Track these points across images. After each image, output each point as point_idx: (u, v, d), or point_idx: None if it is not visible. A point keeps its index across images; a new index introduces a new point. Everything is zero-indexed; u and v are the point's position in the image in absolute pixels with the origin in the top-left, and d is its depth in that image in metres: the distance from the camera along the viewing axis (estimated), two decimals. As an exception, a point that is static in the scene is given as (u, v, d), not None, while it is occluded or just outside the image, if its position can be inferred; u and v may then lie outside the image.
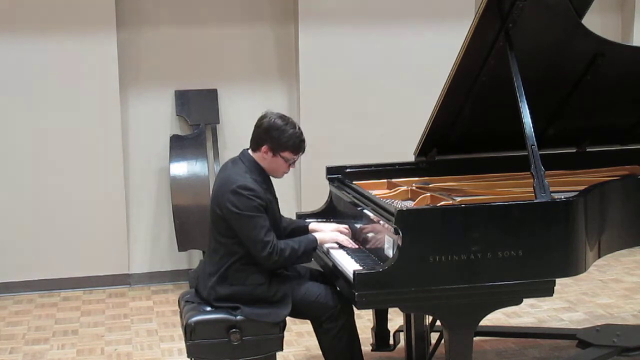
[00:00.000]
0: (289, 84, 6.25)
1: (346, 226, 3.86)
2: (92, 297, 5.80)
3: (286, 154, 3.60)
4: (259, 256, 3.50)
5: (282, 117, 3.63)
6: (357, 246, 3.73)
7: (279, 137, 3.57)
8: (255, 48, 6.17)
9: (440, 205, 3.56)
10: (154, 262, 6.14)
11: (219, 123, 6.08)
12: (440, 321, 3.38)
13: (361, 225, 3.82)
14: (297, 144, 3.61)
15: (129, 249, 6.06)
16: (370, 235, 3.68)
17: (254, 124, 3.66)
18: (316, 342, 3.78)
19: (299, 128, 3.64)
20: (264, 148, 3.59)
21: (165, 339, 4.92)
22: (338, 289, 3.64)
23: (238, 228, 3.51)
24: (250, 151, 3.67)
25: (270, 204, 3.59)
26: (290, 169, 3.70)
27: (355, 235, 3.86)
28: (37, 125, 5.80)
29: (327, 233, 3.78)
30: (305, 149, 3.69)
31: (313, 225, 3.92)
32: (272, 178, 3.72)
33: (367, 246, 3.70)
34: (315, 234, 3.73)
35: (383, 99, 6.23)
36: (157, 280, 6.10)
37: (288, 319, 3.64)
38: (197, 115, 6.01)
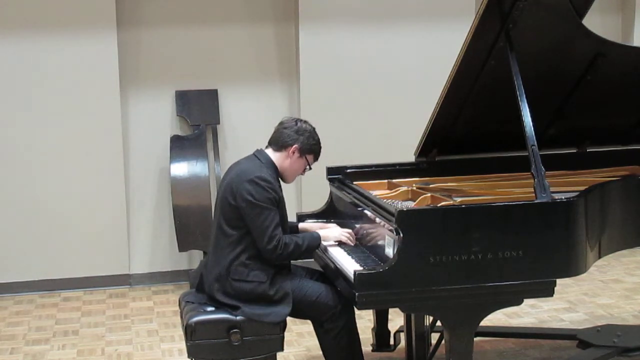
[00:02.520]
0: (289, 84, 6.25)
1: (350, 231, 3.87)
2: (93, 298, 5.80)
3: (310, 158, 3.76)
4: (264, 248, 3.54)
5: (308, 122, 3.79)
6: (352, 243, 3.78)
7: (309, 140, 3.72)
8: (256, 48, 6.17)
9: (441, 206, 3.55)
10: (155, 262, 6.14)
11: (219, 123, 6.08)
12: (441, 321, 3.38)
13: (361, 225, 3.81)
14: (319, 151, 3.80)
15: (130, 250, 6.06)
16: (370, 235, 3.68)
17: (277, 124, 3.77)
18: (317, 343, 3.78)
19: None
20: (293, 148, 3.70)
21: (165, 340, 4.92)
22: (338, 289, 3.64)
23: (250, 217, 3.55)
24: (270, 150, 3.74)
25: (282, 201, 3.66)
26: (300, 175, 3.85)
27: (355, 236, 3.86)
28: (37, 126, 5.80)
29: (331, 231, 3.84)
30: None
31: (302, 225, 4.01)
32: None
33: (368, 246, 3.70)
34: (319, 231, 3.80)
35: (383, 99, 6.23)
36: (157, 280, 6.11)
37: (288, 319, 3.64)
38: (198, 115, 6.01)
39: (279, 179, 3.75)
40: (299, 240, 3.64)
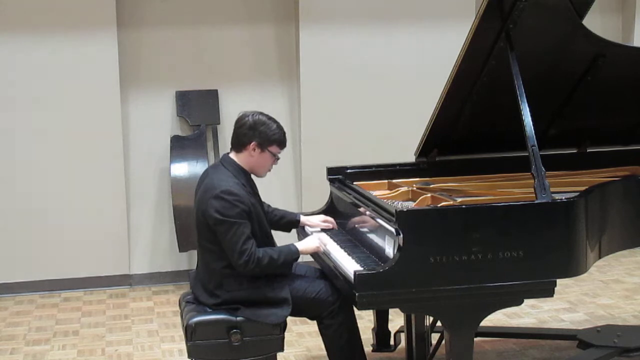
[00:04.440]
0: (289, 85, 6.25)
1: (331, 219, 4.01)
2: (93, 298, 5.80)
3: (273, 148, 3.62)
4: (235, 263, 3.47)
5: (262, 113, 3.65)
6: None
7: (266, 132, 3.58)
8: (256, 48, 6.17)
9: (441, 206, 3.55)
10: (155, 262, 6.14)
11: (219, 124, 6.08)
12: (441, 322, 3.38)
13: (362, 225, 3.81)
14: (282, 138, 3.64)
15: (130, 250, 6.06)
16: (370, 235, 3.68)
17: (233, 125, 3.66)
18: (317, 343, 3.79)
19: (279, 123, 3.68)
20: (251, 145, 3.58)
21: (165, 340, 4.92)
22: (337, 286, 3.64)
23: (219, 234, 3.48)
24: (233, 154, 3.65)
25: (254, 208, 3.58)
26: (273, 166, 3.71)
27: (355, 236, 3.86)
28: (37, 126, 5.80)
29: (309, 242, 3.73)
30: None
31: (303, 218, 4.02)
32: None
33: (368, 246, 3.70)
34: (297, 244, 3.68)
35: (383, 99, 6.23)
36: (157, 280, 6.11)
37: (289, 319, 3.64)
38: (198, 115, 6.01)
39: (252, 181, 3.67)
40: (274, 254, 3.52)
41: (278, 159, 3.68)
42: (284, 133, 3.65)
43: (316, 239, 3.75)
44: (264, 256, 3.48)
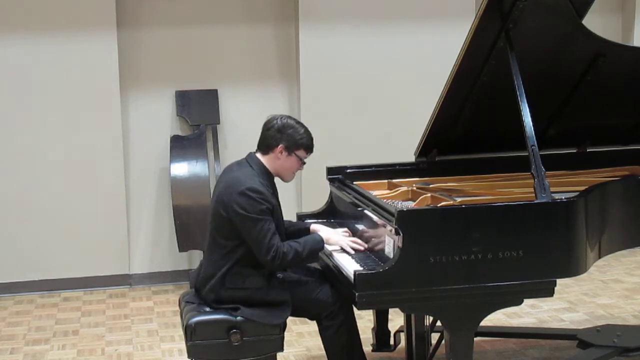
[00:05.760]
0: (289, 84, 6.25)
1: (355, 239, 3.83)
2: (93, 298, 5.80)
3: (300, 152, 3.63)
4: (262, 259, 3.49)
5: (291, 117, 3.68)
6: (362, 248, 3.67)
7: (294, 135, 3.60)
8: (256, 48, 6.17)
9: (441, 206, 3.56)
10: (155, 262, 6.14)
11: (219, 123, 6.08)
12: (441, 322, 3.38)
13: (362, 225, 3.82)
14: (309, 143, 3.65)
15: (130, 250, 6.06)
16: (370, 235, 3.68)
17: (262, 127, 3.67)
18: (316, 343, 3.79)
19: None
20: (279, 148, 3.60)
21: (165, 340, 4.92)
22: (337, 287, 3.64)
23: (244, 230, 3.49)
24: (259, 154, 3.66)
25: (275, 209, 3.59)
26: (299, 170, 3.72)
27: (355, 236, 3.85)
28: (37, 125, 5.80)
29: (335, 234, 3.74)
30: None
31: (314, 226, 3.91)
32: (277, 182, 3.72)
33: (368, 247, 3.70)
34: (321, 233, 3.71)
35: (383, 99, 6.23)
36: (157, 280, 6.10)
37: (289, 319, 3.64)
38: (198, 115, 6.01)
39: (274, 183, 3.68)
40: (299, 247, 3.54)
41: (304, 163, 3.70)
42: (312, 138, 3.66)
43: (343, 236, 3.72)
44: (289, 251, 3.50)
